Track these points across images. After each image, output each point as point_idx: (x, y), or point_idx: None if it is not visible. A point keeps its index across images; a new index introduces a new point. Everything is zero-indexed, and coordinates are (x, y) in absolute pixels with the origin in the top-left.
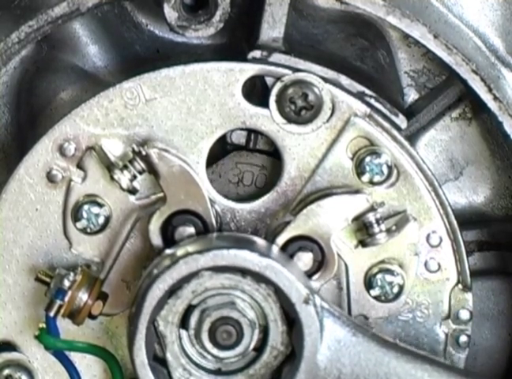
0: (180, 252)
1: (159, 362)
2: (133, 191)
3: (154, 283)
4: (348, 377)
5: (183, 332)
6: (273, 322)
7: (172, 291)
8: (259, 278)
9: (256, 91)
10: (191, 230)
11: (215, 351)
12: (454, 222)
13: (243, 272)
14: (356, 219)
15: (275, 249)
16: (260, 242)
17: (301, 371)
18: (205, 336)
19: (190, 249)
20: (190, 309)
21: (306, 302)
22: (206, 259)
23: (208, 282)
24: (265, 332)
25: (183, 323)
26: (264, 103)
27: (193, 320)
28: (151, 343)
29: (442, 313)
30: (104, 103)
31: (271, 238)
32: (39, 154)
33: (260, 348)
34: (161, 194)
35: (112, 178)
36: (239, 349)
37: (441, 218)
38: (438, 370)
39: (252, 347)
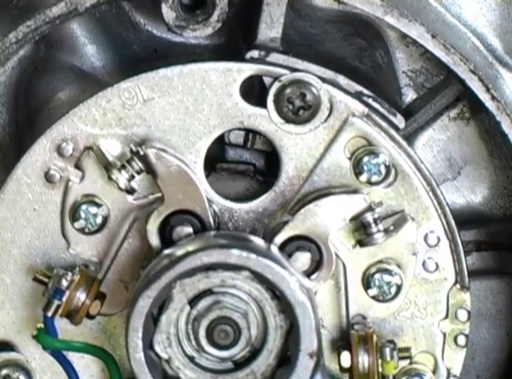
0: (178, 251)
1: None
2: (131, 191)
3: (150, 284)
4: None
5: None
6: (265, 302)
7: (159, 313)
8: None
9: (254, 91)
10: (189, 229)
11: (220, 353)
12: (452, 222)
13: (241, 269)
14: (354, 218)
15: (273, 248)
16: (256, 240)
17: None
18: (205, 343)
19: (189, 248)
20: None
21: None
22: (205, 256)
23: (189, 291)
24: (261, 315)
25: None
26: (262, 103)
27: (191, 319)
28: (148, 342)
29: (440, 313)
30: (102, 103)
31: (269, 238)
32: (37, 154)
33: (264, 333)
34: (159, 194)
35: (110, 178)
36: (242, 342)
37: (439, 218)
38: None
39: (254, 335)
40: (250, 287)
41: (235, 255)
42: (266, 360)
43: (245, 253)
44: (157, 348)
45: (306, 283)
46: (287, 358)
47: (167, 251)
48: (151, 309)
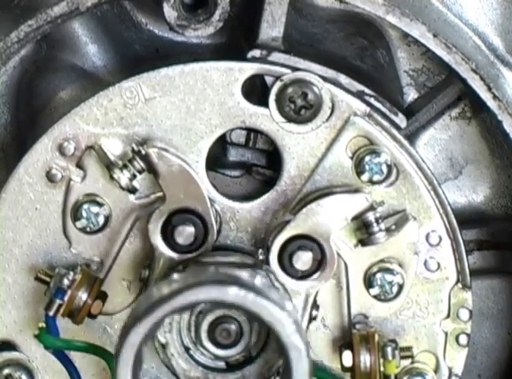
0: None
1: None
2: (132, 190)
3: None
4: None
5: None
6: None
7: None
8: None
9: (255, 90)
10: (191, 229)
11: (216, 351)
12: (454, 221)
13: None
14: (356, 218)
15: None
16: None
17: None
18: (204, 337)
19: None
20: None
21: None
22: (202, 293)
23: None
24: (264, 340)
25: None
26: (263, 103)
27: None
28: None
29: (442, 312)
30: (104, 102)
31: (271, 237)
32: (39, 153)
33: (263, 342)
34: (161, 193)
35: (112, 178)
36: (241, 346)
37: (440, 217)
38: None
39: (253, 341)
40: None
41: (232, 294)
42: (260, 369)
43: (243, 291)
44: (157, 331)
45: (299, 319)
46: (280, 373)
47: (155, 289)
48: (141, 343)
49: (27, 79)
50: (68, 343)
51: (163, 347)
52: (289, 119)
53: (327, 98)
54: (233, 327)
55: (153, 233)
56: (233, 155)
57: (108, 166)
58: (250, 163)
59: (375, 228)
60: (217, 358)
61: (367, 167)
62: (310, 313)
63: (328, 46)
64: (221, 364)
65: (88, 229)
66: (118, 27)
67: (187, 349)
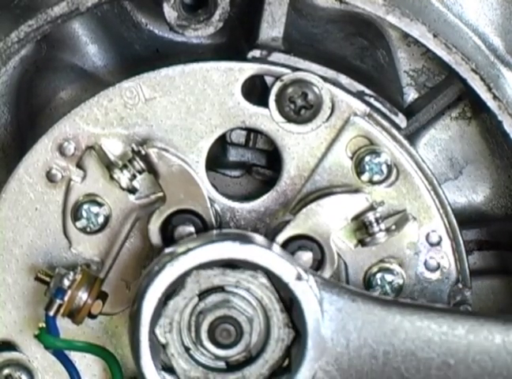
0: (177, 251)
1: (167, 370)
2: (132, 190)
3: (147, 290)
4: (357, 343)
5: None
6: (273, 313)
7: (168, 298)
8: (250, 266)
9: (255, 90)
10: (191, 229)
11: (217, 351)
12: (454, 221)
13: (234, 265)
14: (356, 218)
15: (274, 245)
16: (258, 237)
17: (309, 348)
18: (204, 337)
19: (180, 249)
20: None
21: (299, 278)
22: (191, 258)
23: (203, 283)
24: (266, 324)
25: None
26: (263, 103)
27: (192, 321)
28: (157, 352)
29: None
30: (104, 102)
31: (271, 238)
32: (39, 153)
33: (264, 342)
34: (161, 194)
35: (112, 178)
36: (241, 346)
37: (440, 217)
38: (444, 315)
39: (254, 342)
40: (262, 294)
41: (220, 249)
42: (260, 369)
43: (229, 244)
44: (158, 331)
45: (298, 262)
46: (279, 372)
47: (168, 249)
48: (163, 294)
49: (27, 79)
50: (68, 343)
51: (164, 347)
52: (289, 119)
53: (327, 98)
54: (232, 328)
55: (153, 233)
56: (233, 155)
57: (108, 166)
58: (250, 163)
59: (375, 228)
60: (217, 358)
61: (367, 167)
62: None
63: (328, 47)
64: (221, 364)
65: (88, 229)
66: (119, 27)
67: (187, 349)
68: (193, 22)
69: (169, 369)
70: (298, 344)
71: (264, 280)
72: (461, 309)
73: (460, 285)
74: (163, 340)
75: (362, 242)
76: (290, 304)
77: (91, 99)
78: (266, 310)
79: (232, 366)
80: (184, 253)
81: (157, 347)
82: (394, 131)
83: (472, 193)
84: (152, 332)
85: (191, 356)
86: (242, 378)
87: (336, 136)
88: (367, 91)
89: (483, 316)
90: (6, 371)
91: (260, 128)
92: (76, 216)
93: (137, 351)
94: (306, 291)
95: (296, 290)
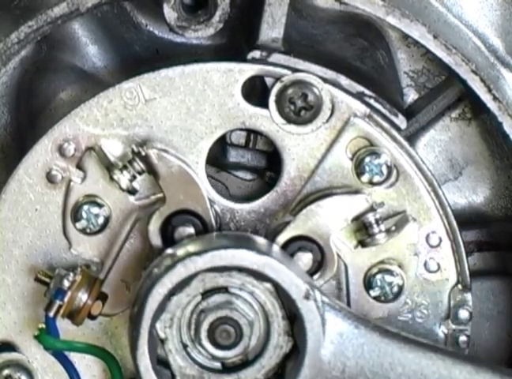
0: (179, 253)
1: (162, 364)
2: (132, 191)
3: (154, 286)
4: (353, 370)
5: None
6: (275, 319)
7: (172, 293)
8: (258, 276)
9: (255, 91)
10: (191, 230)
11: (214, 351)
12: (454, 222)
13: (243, 270)
14: (356, 219)
15: (275, 247)
16: (259, 240)
17: (305, 366)
18: (204, 336)
19: (190, 249)
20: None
21: (307, 297)
22: (204, 260)
23: (208, 282)
24: (266, 329)
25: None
26: (263, 104)
27: (192, 321)
28: (154, 347)
29: (442, 314)
30: (104, 103)
31: (271, 238)
32: (39, 154)
33: (262, 346)
34: (161, 194)
35: (112, 179)
36: (239, 348)
37: (440, 218)
38: (443, 358)
39: (252, 345)
40: (266, 299)
41: (234, 256)
42: (255, 373)
43: (244, 252)
44: (158, 325)
45: (308, 279)
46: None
47: (169, 250)
48: (170, 291)
49: (27, 80)
50: (68, 344)
51: (163, 342)
52: (289, 120)
53: (327, 99)
54: (232, 330)
55: (153, 234)
56: (233, 156)
57: (108, 167)
58: (250, 164)
59: (375, 229)
60: (214, 358)
61: (367, 168)
62: None
63: (328, 48)
64: (217, 365)
65: (88, 230)
66: (119, 28)
67: (185, 346)
68: (193, 23)
69: (164, 363)
70: (294, 359)
71: (269, 286)
72: (462, 354)
73: (460, 286)
74: (162, 335)
75: (362, 243)
76: (292, 317)
77: (91, 99)
78: (268, 315)
79: (228, 368)
80: (198, 254)
81: (155, 341)
82: (394, 132)
83: (472, 193)
84: (152, 326)
85: (188, 354)
86: None
87: (336, 137)
88: (367, 92)
89: (482, 364)
90: (6, 372)
91: (260, 129)
92: (76, 217)
93: (135, 342)
94: (312, 311)
95: (302, 308)
